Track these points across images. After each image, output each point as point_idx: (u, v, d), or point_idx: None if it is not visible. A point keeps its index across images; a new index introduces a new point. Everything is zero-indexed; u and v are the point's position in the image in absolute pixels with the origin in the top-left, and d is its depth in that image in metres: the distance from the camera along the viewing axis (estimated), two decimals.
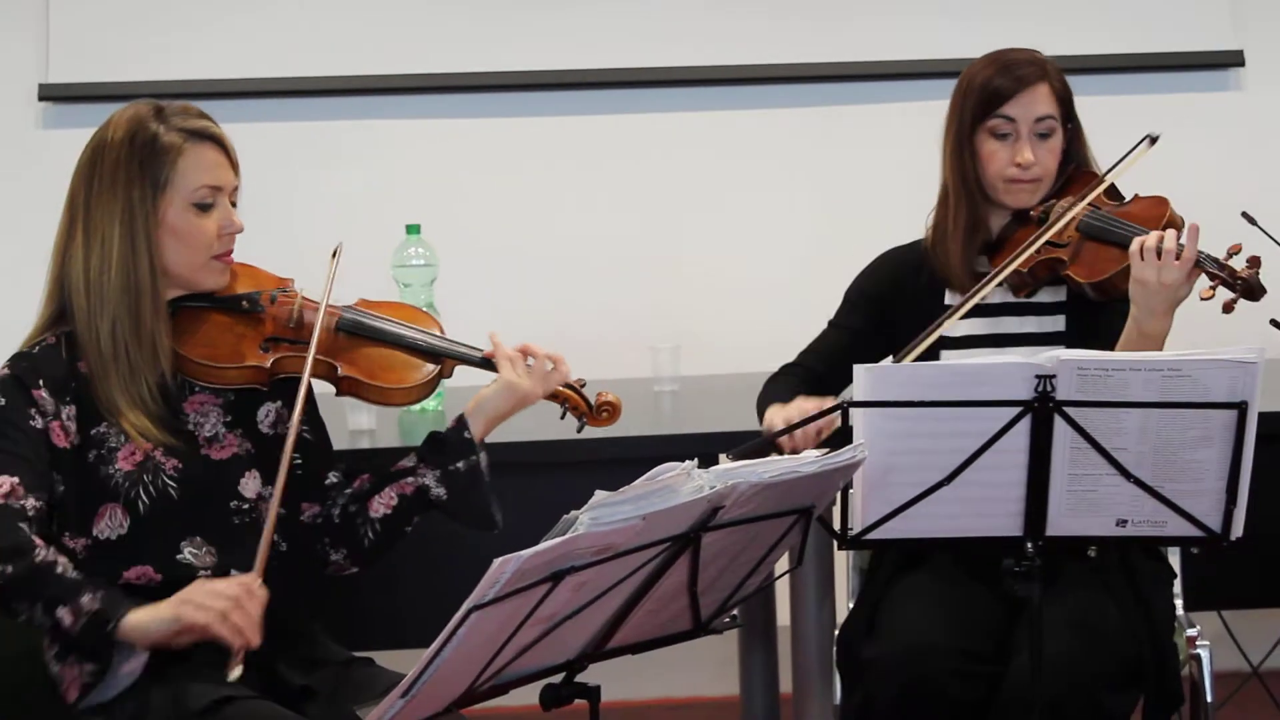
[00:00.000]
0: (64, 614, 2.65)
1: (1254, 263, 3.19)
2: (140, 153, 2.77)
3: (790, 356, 3.48)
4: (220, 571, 2.78)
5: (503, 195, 4.91)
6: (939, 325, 3.29)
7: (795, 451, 3.09)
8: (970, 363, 2.91)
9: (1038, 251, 3.32)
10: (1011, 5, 4.88)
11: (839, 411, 2.79)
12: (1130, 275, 3.19)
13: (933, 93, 4.49)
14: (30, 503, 2.70)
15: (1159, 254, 3.15)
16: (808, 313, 3.45)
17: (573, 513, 2.34)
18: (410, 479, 2.91)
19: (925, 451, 2.78)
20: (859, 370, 2.77)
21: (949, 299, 3.39)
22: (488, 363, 2.95)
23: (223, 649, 2.68)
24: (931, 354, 3.35)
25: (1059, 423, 2.75)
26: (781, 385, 3.40)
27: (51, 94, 4.78)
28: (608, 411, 2.99)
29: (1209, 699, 3.37)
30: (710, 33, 4.89)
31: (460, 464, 2.89)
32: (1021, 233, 3.37)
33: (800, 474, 2.52)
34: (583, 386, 2.99)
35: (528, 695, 2.56)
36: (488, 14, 4.85)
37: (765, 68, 4.90)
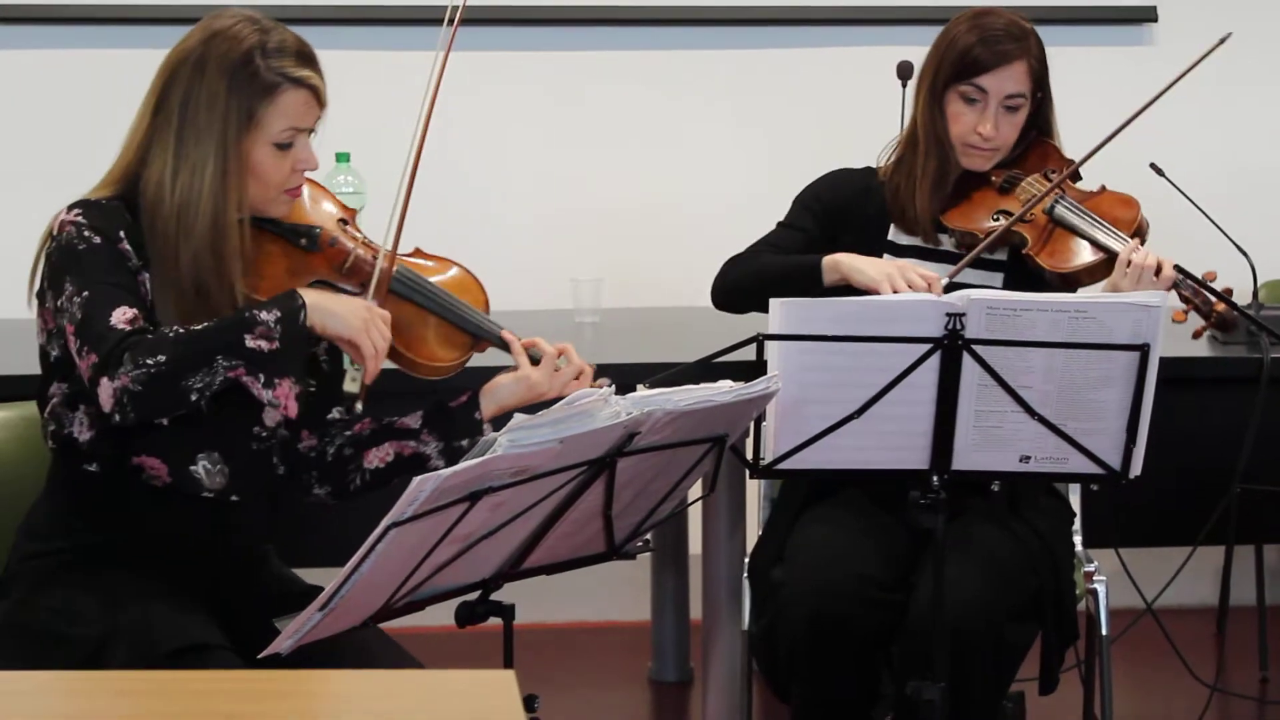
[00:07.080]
0: (255, 341, 2.61)
1: (1227, 294, 3.22)
2: (240, 86, 2.70)
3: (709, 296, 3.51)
4: (224, 496, 2.74)
5: (433, 126, 4.92)
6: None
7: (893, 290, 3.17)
8: (883, 299, 2.97)
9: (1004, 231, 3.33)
10: None
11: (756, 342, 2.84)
12: (1109, 279, 3.23)
13: (855, 39, 4.56)
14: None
15: (1143, 268, 3.20)
16: (729, 251, 3.48)
17: (492, 434, 2.37)
18: (412, 442, 2.85)
19: (837, 385, 2.82)
20: (774, 304, 2.81)
21: (893, 234, 3.41)
22: (527, 351, 2.86)
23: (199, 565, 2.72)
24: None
25: (967, 360, 2.80)
26: (775, 255, 3.41)
27: None
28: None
29: (1104, 633, 3.42)
30: None
31: (465, 442, 2.84)
32: (977, 193, 3.39)
33: (715, 403, 2.55)
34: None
35: (443, 613, 2.59)
36: None
37: (689, 9, 4.92)
